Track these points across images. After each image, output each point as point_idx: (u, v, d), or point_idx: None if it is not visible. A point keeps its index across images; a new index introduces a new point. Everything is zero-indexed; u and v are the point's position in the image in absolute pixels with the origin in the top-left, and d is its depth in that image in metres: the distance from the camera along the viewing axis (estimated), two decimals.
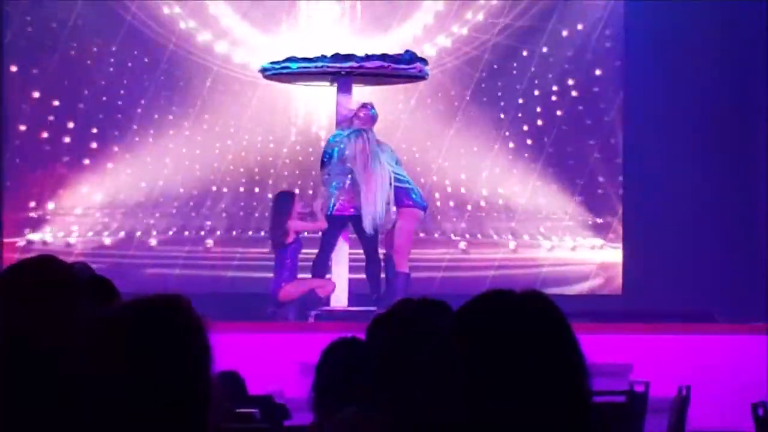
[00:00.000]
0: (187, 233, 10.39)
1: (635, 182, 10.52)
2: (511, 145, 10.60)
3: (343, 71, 8.82)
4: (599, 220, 10.61)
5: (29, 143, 10.22)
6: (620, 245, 10.57)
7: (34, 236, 10.18)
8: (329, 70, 8.81)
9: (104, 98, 10.29)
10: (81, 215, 10.26)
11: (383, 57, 8.87)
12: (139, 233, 10.32)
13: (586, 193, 10.58)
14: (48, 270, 2.35)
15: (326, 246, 8.81)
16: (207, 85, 10.41)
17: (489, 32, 10.50)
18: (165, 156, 10.31)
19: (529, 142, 10.65)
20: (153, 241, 10.34)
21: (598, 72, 10.64)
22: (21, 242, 10.15)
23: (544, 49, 10.59)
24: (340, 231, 8.81)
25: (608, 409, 5.62)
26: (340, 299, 8.67)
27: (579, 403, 1.71)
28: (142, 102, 10.31)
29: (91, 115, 10.29)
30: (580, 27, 10.62)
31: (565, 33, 10.60)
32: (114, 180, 10.26)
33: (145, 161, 10.26)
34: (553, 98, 10.57)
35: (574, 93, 10.63)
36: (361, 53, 8.87)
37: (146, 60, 10.35)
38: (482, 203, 10.54)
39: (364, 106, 8.83)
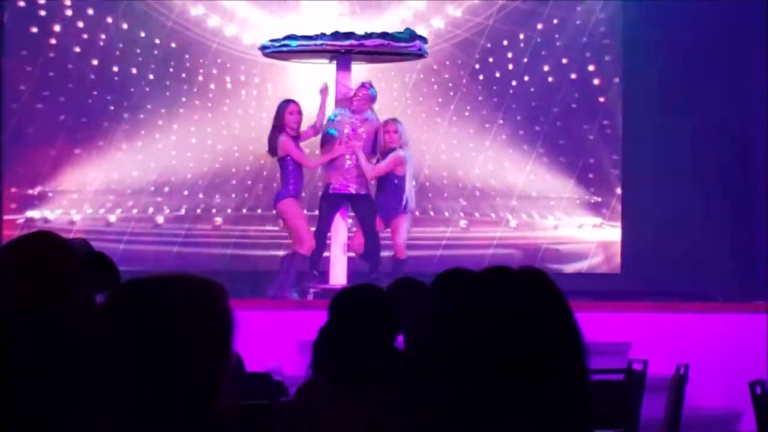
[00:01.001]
0: (196, 211, 10.42)
1: (634, 160, 10.47)
2: (503, 124, 10.55)
3: (343, 49, 8.81)
4: (598, 199, 10.55)
5: (32, 120, 10.14)
6: (619, 224, 10.51)
7: (35, 213, 10.13)
8: (329, 48, 8.78)
9: (116, 78, 10.26)
10: (85, 194, 10.25)
11: (383, 35, 8.84)
12: (150, 211, 10.37)
13: (585, 172, 10.52)
14: (45, 244, 2.36)
15: (323, 224, 8.79)
16: (215, 65, 10.45)
17: (484, 14, 10.43)
18: (173, 135, 10.33)
19: (523, 121, 10.62)
20: (160, 219, 10.35)
21: (591, 54, 10.64)
22: (21, 219, 10.10)
23: (539, 26, 10.51)
24: (338, 209, 8.80)
25: (606, 387, 5.69)
26: (338, 277, 8.65)
27: (577, 380, 1.70)
28: (151, 80, 10.29)
29: (99, 96, 10.26)
30: (579, 8, 10.57)
31: (561, 14, 10.56)
32: (122, 160, 10.27)
33: (154, 141, 10.28)
34: (550, 79, 10.48)
35: (573, 75, 10.58)
36: (360, 32, 8.81)
37: (157, 41, 10.33)
38: (478, 183, 10.47)
39: (363, 85, 8.83)
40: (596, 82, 10.61)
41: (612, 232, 10.52)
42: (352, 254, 8.84)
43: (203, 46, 10.41)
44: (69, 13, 10.18)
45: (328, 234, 8.79)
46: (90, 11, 10.21)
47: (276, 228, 9.72)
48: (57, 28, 10.14)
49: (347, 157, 8.70)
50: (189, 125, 10.34)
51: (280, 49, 8.83)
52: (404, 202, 8.70)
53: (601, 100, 10.57)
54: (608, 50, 10.60)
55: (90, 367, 1.73)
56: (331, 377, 3.64)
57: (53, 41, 10.16)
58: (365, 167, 8.67)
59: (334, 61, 8.94)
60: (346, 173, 8.72)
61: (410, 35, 8.93)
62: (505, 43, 10.54)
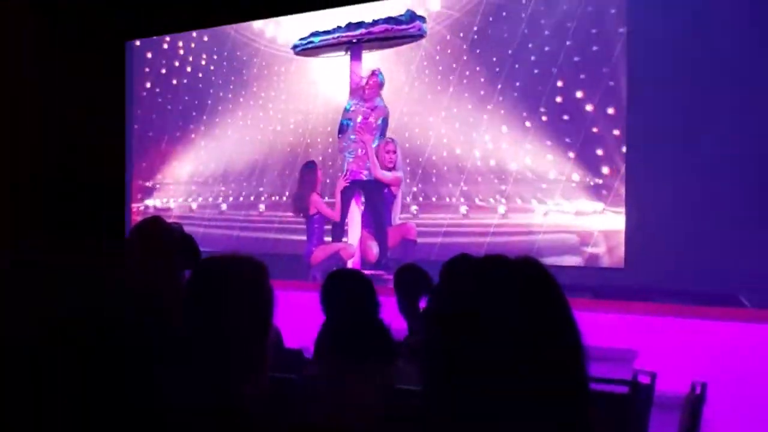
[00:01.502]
0: (250, 198, 11.33)
1: (640, 136, 8.59)
2: (502, 100, 9.57)
3: (354, 39, 9.12)
4: (599, 181, 8.90)
5: (150, 126, 12.29)
6: (623, 210, 8.73)
7: (151, 202, 12.12)
8: (343, 39, 9.02)
9: (200, 85, 11.75)
10: (178, 185, 11.99)
11: (387, 20, 9.14)
12: (219, 200, 11.63)
13: (585, 150, 9.00)
14: (156, 228, 2.90)
15: (341, 211, 9.19)
16: (260, 66, 11.25)
17: None
18: (234, 133, 11.49)
19: (521, 96, 9.51)
20: (224, 206, 11.48)
21: (595, 30, 9.20)
22: (141, 207, 12.12)
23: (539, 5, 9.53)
24: (353, 195, 9.16)
25: (607, 399, 4.81)
26: (356, 262, 9.28)
27: (576, 386, 1.60)
28: (220, 85, 11.63)
29: (187, 101, 12.02)
30: None
31: None
32: (202, 155, 11.77)
33: (222, 138, 11.55)
34: (546, 48, 9.36)
35: (569, 42, 9.30)
36: (369, 19, 9.11)
37: (227, 54, 11.68)
38: (478, 166, 9.56)
39: (372, 73, 9.10)
40: (595, 48, 9.08)
41: (615, 219, 8.79)
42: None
43: (252, 48, 11.25)
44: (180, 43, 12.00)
45: (346, 221, 9.17)
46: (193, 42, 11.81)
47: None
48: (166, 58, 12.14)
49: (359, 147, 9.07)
50: (244, 122, 11.39)
51: (307, 47, 9.14)
52: (391, 216, 9.09)
53: (604, 70, 9.02)
54: (611, 21, 9.05)
55: (180, 331, 2.20)
56: (330, 360, 4.01)
57: (163, 62, 12.09)
58: (372, 167, 9.02)
59: (348, 52, 9.31)
60: (358, 160, 9.08)
61: (410, 16, 9.13)
62: (504, 14, 9.62)
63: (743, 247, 7.73)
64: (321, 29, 9.26)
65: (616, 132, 8.79)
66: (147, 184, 12.17)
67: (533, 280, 1.63)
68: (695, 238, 8.03)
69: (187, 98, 11.96)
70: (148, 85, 12.29)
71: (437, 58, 9.84)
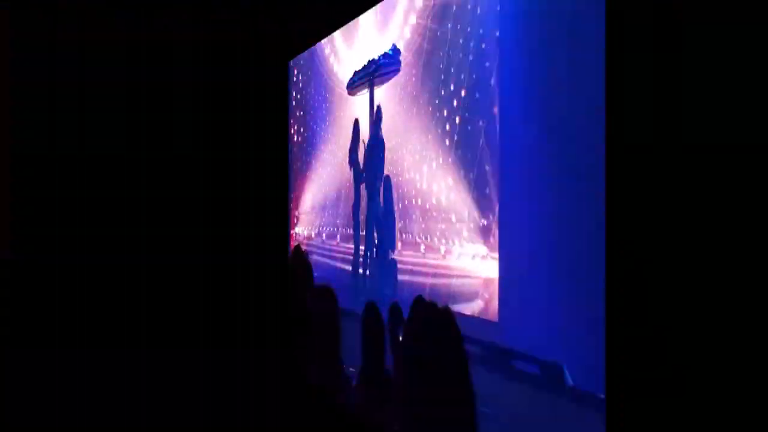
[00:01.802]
0: (332, 229, 10.97)
1: (514, 173, 6.89)
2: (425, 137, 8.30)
3: (370, 77, 8.89)
4: (484, 222, 7.35)
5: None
6: (497, 256, 7.08)
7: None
8: (364, 80, 8.99)
9: (315, 126, 11.70)
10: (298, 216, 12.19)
11: (384, 56, 8.90)
12: (318, 229, 11.50)
13: (477, 187, 7.51)
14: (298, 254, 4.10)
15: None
16: (328, 101, 10.97)
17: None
18: (324, 168, 11.30)
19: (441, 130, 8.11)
20: (323, 236, 11.38)
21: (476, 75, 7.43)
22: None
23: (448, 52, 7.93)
24: None
25: None
26: None
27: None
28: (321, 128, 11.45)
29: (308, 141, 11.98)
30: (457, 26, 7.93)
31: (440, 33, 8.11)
32: (308, 189, 11.85)
33: (321, 174, 11.44)
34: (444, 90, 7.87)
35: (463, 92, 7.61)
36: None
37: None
38: (405, 202, 8.49)
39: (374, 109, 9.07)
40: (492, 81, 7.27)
41: (493, 267, 7.16)
42: None
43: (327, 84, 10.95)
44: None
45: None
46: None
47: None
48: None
49: None
50: (325, 159, 11.13)
51: (352, 86, 9.22)
52: None
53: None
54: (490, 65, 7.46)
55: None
56: None
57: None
58: None
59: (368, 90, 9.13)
60: None
61: (394, 50, 8.73)
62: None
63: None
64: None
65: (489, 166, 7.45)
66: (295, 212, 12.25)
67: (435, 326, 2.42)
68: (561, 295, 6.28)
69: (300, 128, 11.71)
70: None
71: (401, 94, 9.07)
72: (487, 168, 7.43)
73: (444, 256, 8.02)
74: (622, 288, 5.59)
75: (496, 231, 7.22)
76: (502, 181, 7.17)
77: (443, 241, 8.11)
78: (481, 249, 7.39)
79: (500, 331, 7.02)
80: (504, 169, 7.16)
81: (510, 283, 7.04)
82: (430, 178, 8.26)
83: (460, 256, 7.73)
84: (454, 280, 7.76)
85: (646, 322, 5.42)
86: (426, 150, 8.39)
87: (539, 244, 6.55)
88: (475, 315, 7.38)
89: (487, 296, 7.31)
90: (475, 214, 7.55)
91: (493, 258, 7.24)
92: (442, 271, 8.00)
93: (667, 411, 5.12)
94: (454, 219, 7.91)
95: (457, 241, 7.82)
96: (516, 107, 7.10)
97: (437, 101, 8.26)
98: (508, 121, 7.23)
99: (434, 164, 8.24)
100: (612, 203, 5.79)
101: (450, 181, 7.98)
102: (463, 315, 7.43)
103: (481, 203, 7.49)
